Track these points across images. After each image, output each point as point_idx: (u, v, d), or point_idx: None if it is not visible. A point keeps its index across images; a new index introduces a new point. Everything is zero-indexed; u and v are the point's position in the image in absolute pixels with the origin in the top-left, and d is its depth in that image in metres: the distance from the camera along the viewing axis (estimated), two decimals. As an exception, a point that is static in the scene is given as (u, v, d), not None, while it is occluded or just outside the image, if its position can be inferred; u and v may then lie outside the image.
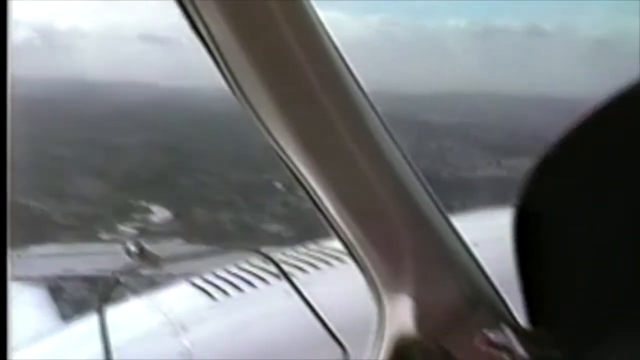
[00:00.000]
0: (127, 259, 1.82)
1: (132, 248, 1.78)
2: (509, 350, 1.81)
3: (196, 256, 2.37)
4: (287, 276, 1.99)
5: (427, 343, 1.94)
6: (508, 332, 1.84)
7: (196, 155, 11.55)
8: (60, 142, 10.85)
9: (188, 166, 11.42)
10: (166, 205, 9.94)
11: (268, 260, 1.96)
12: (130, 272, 1.83)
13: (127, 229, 9.29)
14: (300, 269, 2.68)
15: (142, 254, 1.78)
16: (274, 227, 9.33)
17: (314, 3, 1.66)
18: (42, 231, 8.92)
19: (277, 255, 2.81)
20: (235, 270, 2.82)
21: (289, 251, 2.90)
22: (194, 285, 2.78)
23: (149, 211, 10.01)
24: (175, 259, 1.90)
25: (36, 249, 7.96)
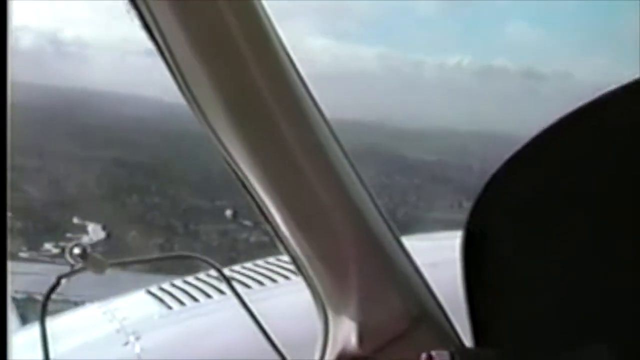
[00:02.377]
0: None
1: (75, 250, 1.75)
2: None
3: (144, 261, 2.36)
4: (230, 284, 2.02)
5: None
6: (452, 351, 1.87)
7: (159, 176, 11.35)
8: (31, 152, 10.70)
9: (145, 186, 11.16)
10: (105, 225, 9.65)
11: (215, 271, 1.98)
12: (74, 275, 1.82)
13: (51, 247, 8.97)
14: (258, 281, 2.71)
15: (85, 256, 1.75)
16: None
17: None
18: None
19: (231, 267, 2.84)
20: (192, 280, 2.84)
21: (246, 264, 2.93)
22: (150, 293, 2.79)
23: (83, 230, 9.58)
24: (121, 264, 1.88)
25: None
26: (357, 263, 1.87)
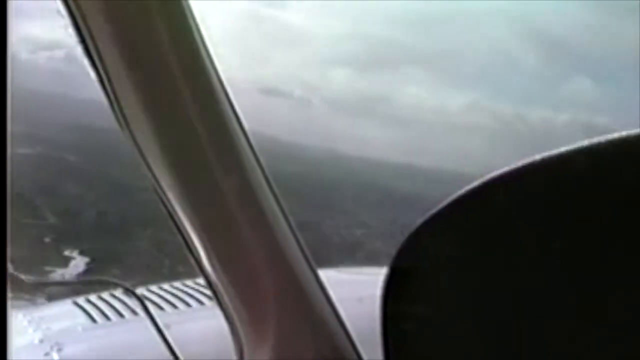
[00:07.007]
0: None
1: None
2: None
3: (62, 283, 2.41)
4: (146, 308, 2.01)
5: None
6: None
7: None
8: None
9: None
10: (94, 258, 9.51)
11: (131, 295, 2.00)
12: None
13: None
14: (172, 304, 2.75)
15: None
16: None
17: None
18: None
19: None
20: (121, 295, 2.86)
21: (163, 285, 2.96)
22: (77, 305, 2.82)
23: (66, 263, 9.51)
24: (40, 284, 1.90)
25: None
26: (275, 300, 1.87)
